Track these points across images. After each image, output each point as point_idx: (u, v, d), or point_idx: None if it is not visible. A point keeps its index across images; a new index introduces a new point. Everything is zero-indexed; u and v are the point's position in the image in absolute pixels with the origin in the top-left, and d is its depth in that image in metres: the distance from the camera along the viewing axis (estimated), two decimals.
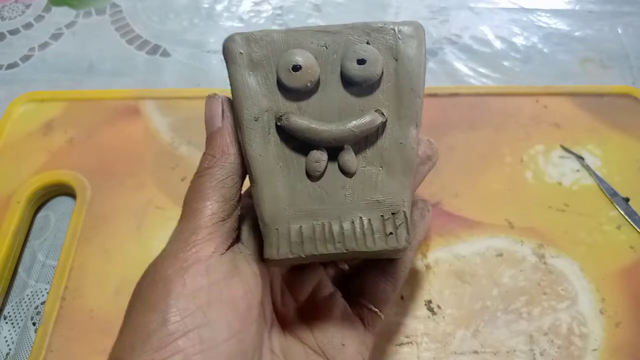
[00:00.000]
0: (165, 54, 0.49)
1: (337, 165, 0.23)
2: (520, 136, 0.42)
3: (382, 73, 0.23)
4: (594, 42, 0.51)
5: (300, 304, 0.27)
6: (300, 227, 0.22)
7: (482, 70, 0.48)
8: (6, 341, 0.34)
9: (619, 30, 0.52)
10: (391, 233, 0.22)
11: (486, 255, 0.35)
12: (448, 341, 0.32)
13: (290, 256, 0.22)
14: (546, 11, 0.53)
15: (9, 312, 0.35)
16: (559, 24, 0.52)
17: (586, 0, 0.54)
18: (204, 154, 0.23)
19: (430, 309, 0.34)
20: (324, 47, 0.23)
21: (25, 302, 0.35)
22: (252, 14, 0.53)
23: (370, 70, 0.23)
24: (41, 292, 0.35)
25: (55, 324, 0.33)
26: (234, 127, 0.23)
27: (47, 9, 0.52)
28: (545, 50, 0.50)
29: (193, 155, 0.40)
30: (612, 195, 0.38)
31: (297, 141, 0.23)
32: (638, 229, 0.37)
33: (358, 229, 0.22)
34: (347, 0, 0.54)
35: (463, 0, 0.54)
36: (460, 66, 0.48)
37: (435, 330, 0.33)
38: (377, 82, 0.23)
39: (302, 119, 0.22)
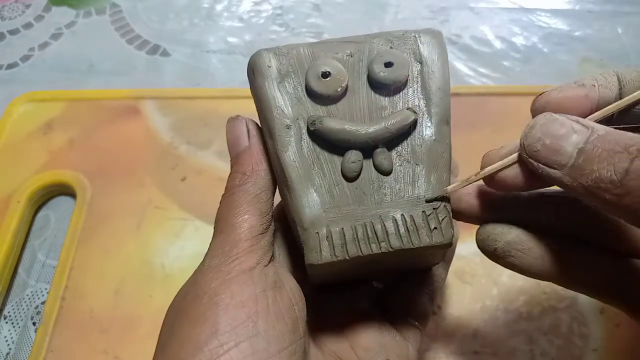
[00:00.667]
0: (165, 53, 0.49)
1: (372, 165, 0.23)
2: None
3: (408, 75, 0.24)
4: (593, 42, 0.51)
5: (338, 321, 0.26)
6: (342, 229, 0.22)
7: (482, 70, 0.48)
8: (6, 341, 0.34)
9: (619, 30, 0.52)
10: (435, 228, 0.22)
11: None
12: (448, 341, 0.32)
13: (334, 259, 0.21)
14: (546, 11, 0.53)
15: (9, 312, 0.35)
16: (559, 24, 0.52)
17: (586, 0, 0.54)
18: (232, 172, 0.23)
19: None
20: (350, 56, 0.24)
21: (25, 302, 0.35)
22: (252, 14, 0.53)
23: (398, 72, 0.23)
24: (41, 292, 0.35)
25: (55, 323, 0.33)
26: (261, 145, 0.24)
27: (47, 9, 0.52)
28: (545, 50, 0.50)
29: (193, 155, 0.40)
30: None
31: (330, 144, 0.23)
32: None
33: (401, 227, 0.22)
34: (347, 0, 0.54)
35: (463, 0, 0.54)
36: (460, 66, 0.48)
37: (435, 330, 0.33)
38: (404, 84, 0.23)
39: (336, 122, 0.23)
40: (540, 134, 0.20)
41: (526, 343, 0.32)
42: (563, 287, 0.23)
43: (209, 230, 0.37)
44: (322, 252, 0.21)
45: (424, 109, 0.23)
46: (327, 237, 0.22)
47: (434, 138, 0.23)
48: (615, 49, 0.50)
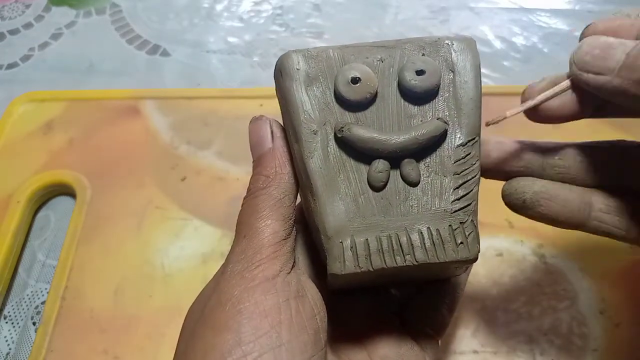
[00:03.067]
0: (165, 53, 0.49)
1: (399, 175, 0.22)
2: (520, 136, 0.42)
3: (439, 84, 0.23)
4: None
5: (356, 329, 0.25)
6: (367, 239, 0.21)
7: (482, 70, 0.48)
8: (6, 341, 0.34)
9: None
10: (462, 242, 0.21)
11: (486, 255, 0.35)
12: (448, 341, 0.32)
13: (358, 270, 0.21)
14: (546, 11, 0.53)
15: (9, 312, 0.35)
16: (559, 24, 0.52)
17: (586, 0, 0.54)
18: (255, 174, 0.23)
19: None
20: (380, 61, 0.23)
21: (25, 302, 0.35)
22: (252, 14, 0.53)
23: (430, 81, 0.23)
24: (41, 292, 0.35)
25: (56, 323, 0.33)
26: (285, 147, 0.23)
27: (47, 9, 0.52)
28: (545, 50, 0.50)
29: (193, 155, 0.40)
30: None
31: (356, 152, 0.22)
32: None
33: (427, 240, 0.21)
34: (347, 0, 0.54)
35: (463, 0, 0.54)
36: None
37: None
38: (435, 92, 0.23)
39: (365, 130, 0.22)
40: (589, 47, 0.21)
41: (526, 343, 0.32)
42: (593, 233, 0.24)
43: (209, 230, 0.37)
44: (345, 262, 0.21)
45: (455, 119, 0.23)
46: (351, 247, 0.21)
47: (463, 150, 0.23)
48: None
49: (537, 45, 0.50)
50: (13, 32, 0.51)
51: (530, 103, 0.23)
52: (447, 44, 0.23)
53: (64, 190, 0.39)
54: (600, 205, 0.24)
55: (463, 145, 0.23)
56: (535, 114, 0.23)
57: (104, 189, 0.38)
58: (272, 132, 0.24)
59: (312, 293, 0.22)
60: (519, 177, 0.24)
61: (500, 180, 0.25)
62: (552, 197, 0.23)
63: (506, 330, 0.33)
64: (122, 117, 0.42)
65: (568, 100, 0.23)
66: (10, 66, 0.48)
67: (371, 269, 0.21)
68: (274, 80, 0.24)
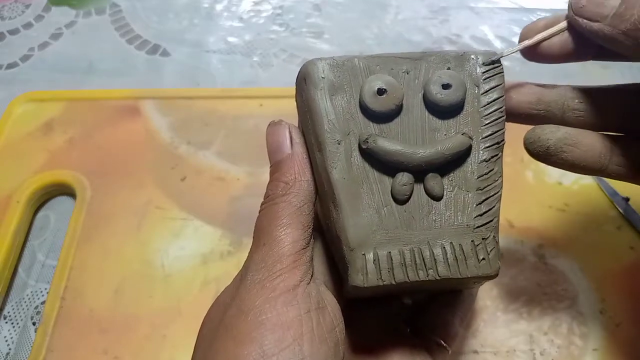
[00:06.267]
0: (165, 53, 0.49)
1: (422, 189, 0.22)
2: (520, 136, 0.42)
3: (465, 98, 0.23)
4: None
5: (369, 339, 0.25)
6: (389, 252, 0.21)
7: None
8: (6, 341, 0.34)
9: None
10: (483, 259, 0.21)
11: None
12: None
13: (380, 283, 0.21)
14: (546, 11, 0.53)
15: (9, 312, 0.35)
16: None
17: None
18: (273, 180, 0.23)
19: None
20: (405, 73, 0.23)
21: (25, 302, 0.35)
22: (252, 14, 0.53)
23: (456, 95, 0.23)
24: (41, 292, 0.35)
25: (55, 324, 0.33)
26: (305, 153, 0.23)
27: (47, 9, 0.52)
28: None
29: (193, 155, 0.40)
30: (612, 195, 0.38)
31: (380, 164, 0.22)
32: (638, 229, 0.37)
33: (450, 255, 0.21)
34: (347, 0, 0.54)
35: (463, 0, 0.54)
36: None
37: None
38: (460, 107, 0.23)
39: (390, 142, 0.22)
40: None
41: (526, 343, 0.32)
42: (612, 178, 0.25)
43: (209, 230, 0.37)
44: (368, 275, 0.21)
45: (479, 134, 0.23)
46: (374, 260, 0.21)
47: (487, 166, 0.23)
48: None
49: None
50: (13, 32, 0.51)
51: (527, 42, 0.23)
52: (473, 58, 0.24)
53: (64, 190, 0.39)
54: (620, 149, 0.24)
55: (486, 161, 0.23)
56: (534, 52, 0.23)
57: (104, 189, 0.38)
58: (291, 137, 0.23)
59: (332, 304, 0.22)
60: (542, 125, 0.24)
61: (522, 123, 0.25)
62: (575, 144, 0.24)
63: (506, 330, 0.33)
64: (122, 117, 0.42)
65: (568, 40, 0.23)
66: (10, 66, 0.48)
67: (394, 283, 0.21)
68: (295, 85, 0.24)
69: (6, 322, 0.34)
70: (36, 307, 0.35)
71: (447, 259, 0.21)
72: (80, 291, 0.34)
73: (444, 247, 0.21)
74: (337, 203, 0.22)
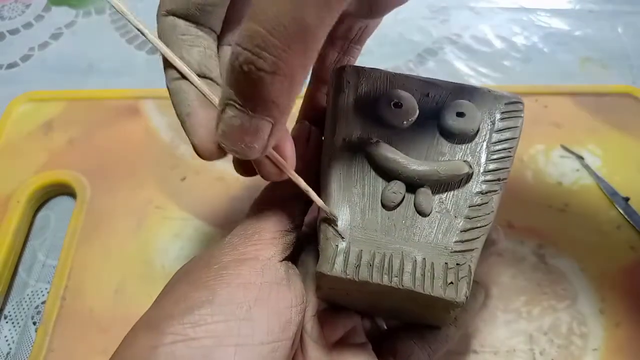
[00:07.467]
0: None
1: (412, 202, 0.23)
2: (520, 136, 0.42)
3: (478, 131, 0.24)
4: (594, 42, 0.51)
5: (330, 346, 0.25)
6: (361, 250, 0.22)
7: (482, 69, 0.48)
8: (7, 341, 0.34)
9: (619, 30, 0.52)
10: (451, 283, 0.21)
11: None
12: None
13: (343, 276, 0.21)
14: (546, 11, 0.53)
15: (9, 312, 0.35)
16: (559, 24, 0.52)
17: (586, 0, 0.54)
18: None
19: None
20: (426, 96, 0.24)
21: (25, 301, 0.35)
22: None
23: (468, 125, 0.23)
24: (41, 291, 0.35)
25: (56, 323, 0.33)
26: (315, 149, 0.25)
27: (47, 9, 0.52)
28: (546, 50, 0.50)
29: (193, 155, 0.40)
30: (612, 195, 0.38)
31: (379, 170, 0.23)
32: (638, 229, 0.37)
33: (419, 269, 0.21)
34: None
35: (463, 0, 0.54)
36: (461, 66, 0.48)
37: None
38: (471, 137, 0.24)
39: (391, 151, 0.23)
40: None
41: (526, 343, 0.32)
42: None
43: (209, 230, 0.37)
44: (334, 264, 0.21)
45: (482, 167, 0.23)
46: (345, 252, 0.22)
47: (482, 198, 0.23)
48: (615, 49, 0.50)
49: (538, 45, 0.50)
50: (13, 32, 0.51)
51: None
52: (495, 96, 0.25)
53: (64, 190, 0.39)
54: None
55: (483, 194, 0.23)
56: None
57: (104, 189, 0.38)
58: (309, 135, 0.25)
59: (297, 287, 0.23)
60: None
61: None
62: None
63: (506, 330, 0.33)
64: (122, 117, 0.42)
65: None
66: (10, 66, 0.48)
67: (356, 279, 0.21)
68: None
69: (7, 322, 0.34)
70: (36, 307, 0.35)
71: (415, 272, 0.21)
72: (81, 291, 0.34)
73: (416, 260, 0.22)
74: (327, 193, 0.23)
